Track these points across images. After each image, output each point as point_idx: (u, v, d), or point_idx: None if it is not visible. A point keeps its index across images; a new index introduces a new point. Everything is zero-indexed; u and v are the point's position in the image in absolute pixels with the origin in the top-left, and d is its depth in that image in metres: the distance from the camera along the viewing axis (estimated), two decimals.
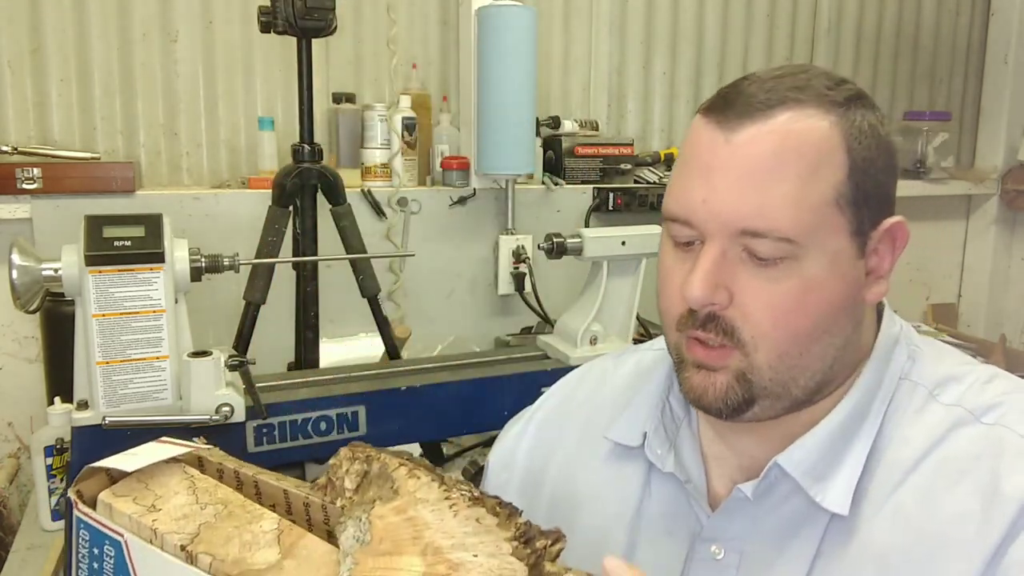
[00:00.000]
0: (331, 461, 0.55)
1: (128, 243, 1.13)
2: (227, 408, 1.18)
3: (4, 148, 1.71)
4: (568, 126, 2.23)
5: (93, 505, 0.55)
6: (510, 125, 1.92)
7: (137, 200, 1.75)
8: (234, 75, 1.96)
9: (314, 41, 1.52)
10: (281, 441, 1.27)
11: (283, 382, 1.39)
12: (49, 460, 1.35)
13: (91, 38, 1.81)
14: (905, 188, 2.74)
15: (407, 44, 2.12)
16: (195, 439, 0.63)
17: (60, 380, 1.40)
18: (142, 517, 0.53)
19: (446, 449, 1.67)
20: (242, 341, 1.53)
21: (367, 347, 1.85)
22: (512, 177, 2.01)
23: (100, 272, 1.11)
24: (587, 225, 2.18)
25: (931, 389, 0.66)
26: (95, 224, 1.13)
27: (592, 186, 2.21)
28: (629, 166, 2.26)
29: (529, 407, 0.92)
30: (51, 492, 1.35)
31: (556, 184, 2.15)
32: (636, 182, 2.29)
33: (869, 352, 0.68)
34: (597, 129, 2.30)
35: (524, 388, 1.42)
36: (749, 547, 0.67)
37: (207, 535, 0.51)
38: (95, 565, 0.54)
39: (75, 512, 0.55)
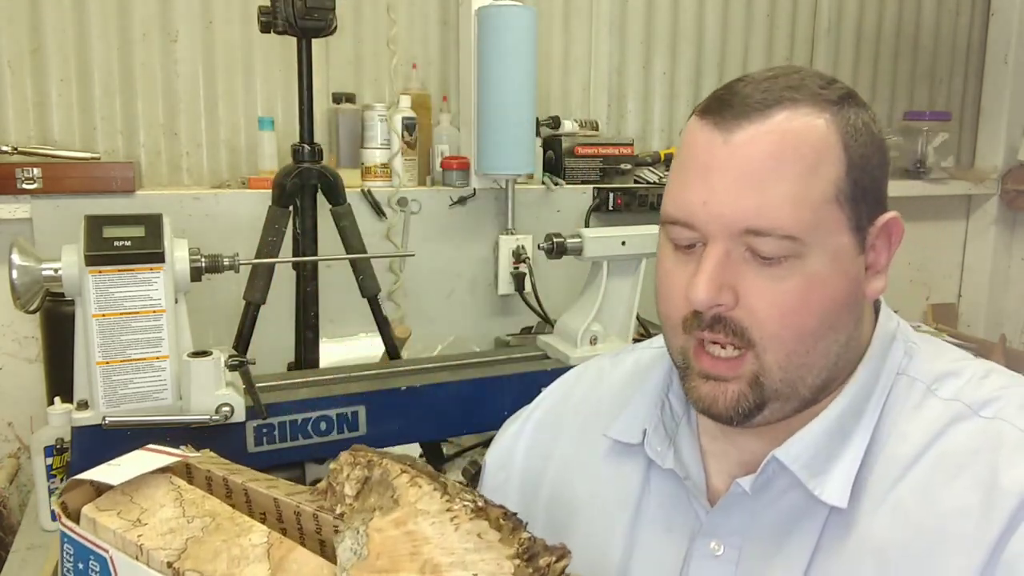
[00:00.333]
0: (332, 465, 0.54)
1: (128, 243, 1.13)
2: (227, 408, 1.18)
3: (4, 148, 1.71)
4: (568, 126, 2.22)
5: (78, 518, 0.54)
6: (510, 125, 1.92)
7: (137, 200, 1.75)
8: (234, 75, 1.96)
9: (314, 41, 1.52)
10: (281, 441, 1.27)
11: (283, 382, 1.39)
12: (49, 460, 1.35)
13: (91, 38, 1.81)
14: (905, 188, 2.74)
15: (407, 44, 2.12)
16: (182, 446, 0.61)
17: (60, 380, 1.39)
18: (127, 532, 0.51)
19: (446, 449, 1.67)
20: (242, 341, 1.53)
21: (367, 347, 1.85)
22: (512, 177, 2.01)
23: (100, 272, 1.11)
24: (587, 225, 2.18)
25: (929, 384, 0.67)
26: (95, 224, 1.13)
27: (592, 186, 2.21)
28: (629, 166, 2.26)
29: (526, 407, 0.92)
30: (51, 492, 1.35)
31: (556, 184, 2.15)
32: (636, 182, 2.29)
33: (865, 347, 0.69)
34: (597, 129, 2.30)
35: (524, 388, 1.41)
36: (748, 542, 0.67)
37: (194, 550, 0.50)
38: None
39: (59, 526, 0.54)
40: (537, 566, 0.45)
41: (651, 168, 2.34)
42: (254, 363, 1.24)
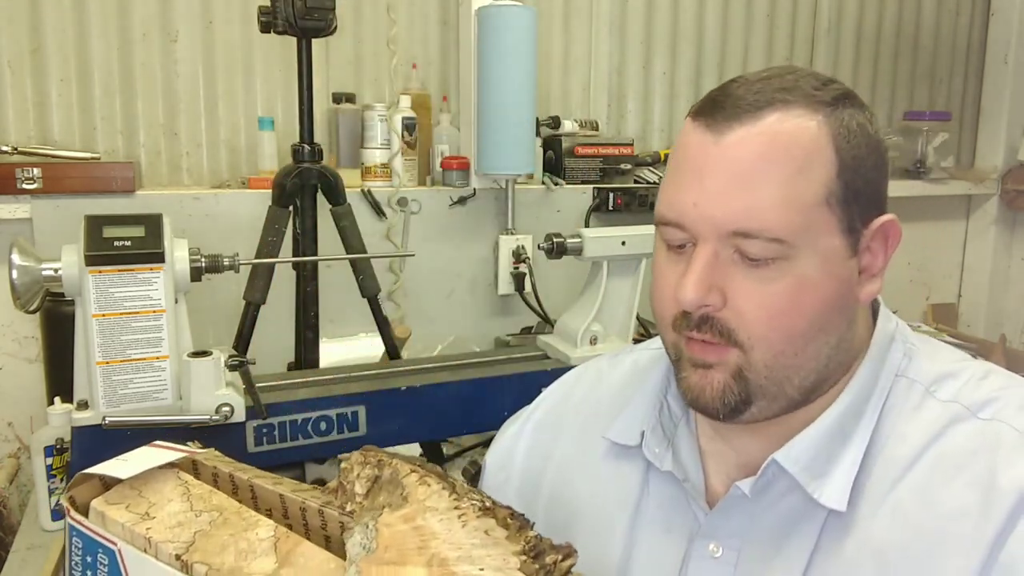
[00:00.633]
0: (343, 465, 0.54)
1: (128, 243, 1.13)
2: (227, 408, 1.18)
3: (4, 148, 1.71)
4: (568, 126, 2.22)
5: (86, 512, 0.54)
6: (510, 125, 1.92)
7: (137, 200, 1.75)
8: (234, 75, 1.96)
9: (314, 41, 1.52)
10: (281, 441, 1.27)
11: (283, 382, 1.39)
12: (49, 460, 1.35)
13: (91, 38, 1.81)
14: (905, 188, 2.74)
15: (407, 44, 2.12)
16: (189, 443, 0.62)
17: (60, 380, 1.39)
18: (136, 526, 0.52)
19: (446, 449, 1.67)
20: (242, 341, 1.53)
21: (367, 347, 1.85)
22: (512, 177, 2.01)
23: (100, 272, 1.11)
24: (587, 225, 2.18)
25: (927, 386, 0.67)
26: (95, 224, 1.13)
27: (592, 186, 2.21)
28: (629, 166, 2.26)
29: (526, 408, 0.92)
30: (51, 492, 1.35)
31: (556, 184, 2.15)
32: (636, 182, 2.29)
33: (864, 349, 0.69)
34: (597, 129, 2.30)
35: (524, 388, 1.41)
36: (747, 544, 0.67)
37: (202, 543, 0.51)
38: (89, 573, 0.53)
39: (68, 519, 0.54)
40: (543, 563, 0.45)
41: (651, 168, 2.34)
42: (254, 363, 1.24)
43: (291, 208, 1.55)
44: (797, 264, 0.61)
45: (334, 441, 1.31)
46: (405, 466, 0.52)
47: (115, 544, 0.52)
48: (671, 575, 0.70)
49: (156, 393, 1.17)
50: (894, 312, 0.74)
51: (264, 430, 1.25)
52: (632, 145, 2.27)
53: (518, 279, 2.04)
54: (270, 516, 0.54)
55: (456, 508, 0.47)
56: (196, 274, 1.20)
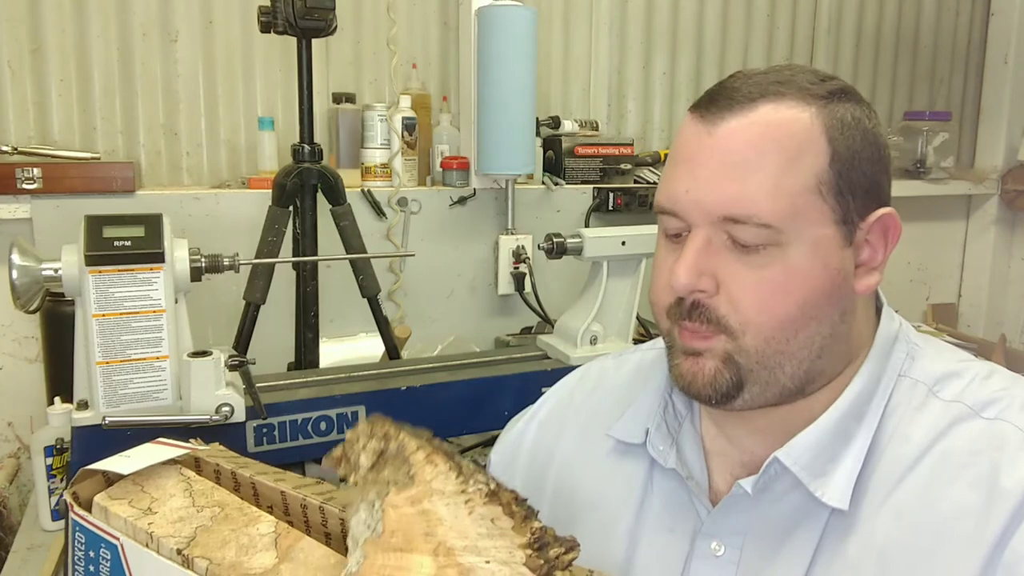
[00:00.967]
0: (348, 434, 0.53)
1: (128, 243, 1.13)
2: (227, 408, 1.18)
3: (4, 148, 1.71)
4: (568, 126, 2.22)
5: (89, 507, 0.55)
6: (510, 125, 1.92)
7: (137, 200, 1.75)
8: (234, 75, 1.96)
9: (314, 41, 1.52)
10: (281, 441, 1.27)
11: (283, 382, 1.39)
12: (49, 460, 1.35)
13: (91, 38, 1.81)
14: (905, 188, 2.74)
15: (407, 44, 2.12)
16: (191, 440, 0.62)
17: (60, 380, 1.39)
18: (138, 520, 0.52)
19: None
20: (242, 341, 1.53)
21: (367, 347, 1.85)
22: (512, 177, 2.01)
23: (100, 272, 1.11)
24: (587, 225, 2.18)
25: (931, 386, 0.67)
26: (95, 224, 1.13)
27: (592, 186, 2.21)
28: (629, 166, 2.26)
29: (531, 406, 0.92)
30: (51, 492, 1.35)
31: (556, 184, 2.15)
32: (636, 182, 2.29)
33: (866, 347, 0.69)
34: (597, 129, 2.30)
35: (524, 388, 1.42)
36: (749, 543, 0.67)
37: (204, 538, 0.51)
38: (92, 568, 0.54)
39: (71, 515, 0.55)
40: (547, 557, 0.45)
41: (651, 168, 2.34)
42: (254, 363, 1.24)
43: (291, 208, 1.55)
44: (788, 251, 0.62)
45: (334, 441, 1.31)
46: (412, 441, 0.51)
47: (117, 539, 0.52)
48: (674, 573, 0.70)
49: (156, 393, 1.17)
50: (895, 312, 0.74)
51: (264, 430, 1.25)
52: (632, 145, 2.27)
53: (518, 279, 2.04)
54: (271, 512, 0.55)
55: (463, 492, 0.47)
56: (196, 274, 1.20)
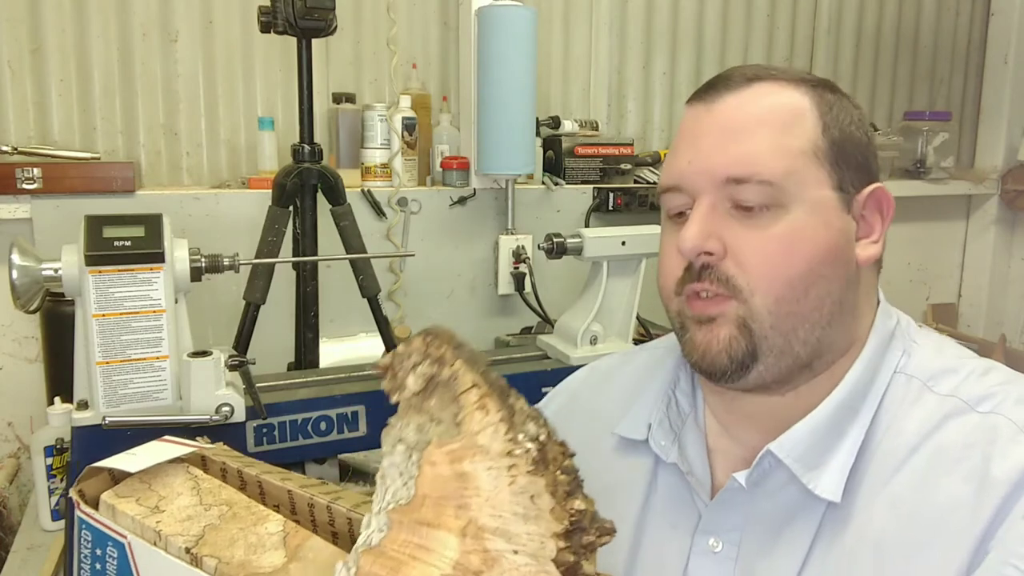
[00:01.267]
0: (400, 347, 0.49)
1: (128, 243, 1.13)
2: (227, 408, 1.18)
3: (4, 148, 1.71)
4: (568, 126, 2.22)
5: (95, 505, 0.55)
6: (510, 125, 1.92)
7: (137, 200, 1.75)
8: (234, 75, 1.96)
9: (314, 41, 1.52)
10: (281, 441, 1.27)
11: (283, 382, 1.39)
12: (49, 460, 1.35)
13: (91, 38, 1.81)
14: (905, 188, 2.74)
15: (407, 44, 2.12)
16: (197, 438, 0.62)
17: (60, 380, 1.40)
18: (146, 519, 0.52)
19: None
20: (242, 341, 1.53)
21: (367, 347, 1.85)
22: (512, 177, 2.01)
23: (100, 272, 1.11)
24: (587, 225, 2.18)
25: (925, 380, 0.67)
26: (95, 224, 1.13)
27: (592, 186, 2.21)
28: (629, 166, 2.26)
29: (536, 404, 0.92)
30: (51, 492, 1.35)
31: (556, 184, 2.15)
32: (636, 182, 2.29)
33: (864, 339, 0.69)
34: (597, 129, 2.30)
35: (524, 388, 1.40)
36: (747, 538, 0.68)
37: (212, 537, 0.51)
38: (98, 566, 0.54)
39: (77, 512, 0.55)
40: (579, 544, 0.42)
41: (651, 168, 2.34)
42: (254, 363, 1.24)
43: (291, 208, 1.55)
44: (790, 211, 0.65)
45: (334, 441, 1.31)
46: (467, 375, 0.46)
47: (125, 537, 0.52)
48: (676, 570, 0.71)
49: (156, 393, 1.17)
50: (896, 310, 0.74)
51: (264, 430, 1.25)
52: (632, 145, 2.27)
53: (518, 279, 2.04)
54: (278, 511, 0.55)
55: (508, 455, 0.42)
56: (196, 274, 1.20)
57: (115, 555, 0.53)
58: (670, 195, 0.70)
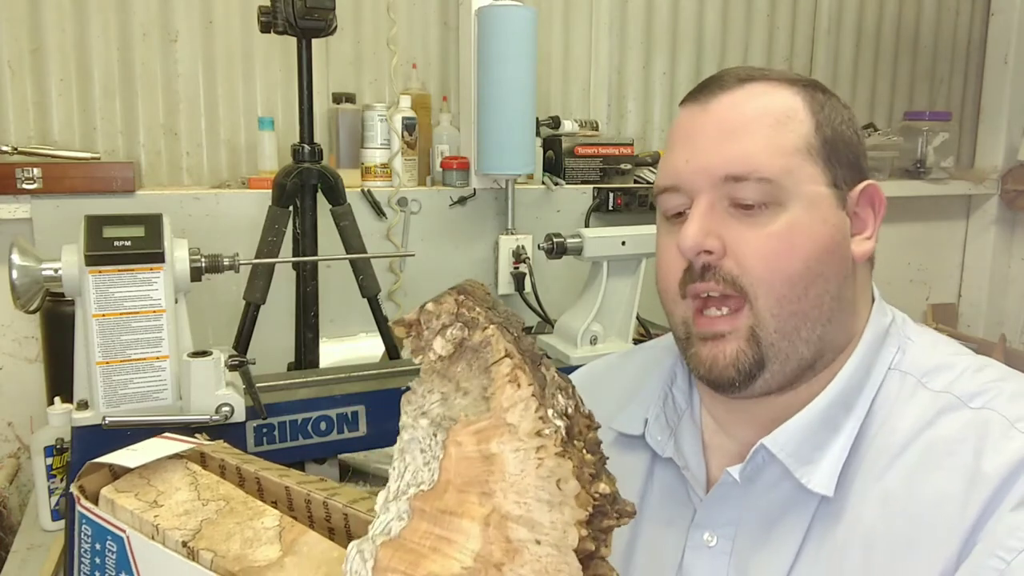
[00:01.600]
0: (429, 304, 0.46)
1: (128, 243, 1.13)
2: (227, 408, 1.18)
3: (4, 148, 1.71)
4: (568, 126, 2.23)
5: (95, 501, 0.55)
6: (510, 125, 1.92)
7: (137, 200, 1.75)
8: (234, 75, 1.96)
9: (314, 41, 1.52)
10: (281, 441, 1.27)
11: (283, 382, 1.39)
12: (49, 460, 1.35)
13: (91, 38, 1.81)
14: (905, 188, 2.74)
15: (407, 44, 2.12)
16: (197, 435, 0.63)
17: (60, 380, 1.40)
18: (144, 513, 0.53)
19: None
20: (242, 341, 1.53)
21: (367, 347, 1.85)
22: (512, 177, 2.01)
23: (100, 272, 1.11)
24: (587, 225, 2.18)
25: (920, 377, 0.68)
26: (95, 224, 1.13)
27: (592, 186, 2.21)
28: (629, 166, 2.26)
29: None
30: (51, 492, 1.35)
31: (556, 184, 2.15)
32: (636, 182, 2.29)
33: (859, 338, 0.70)
34: (597, 129, 2.30)
35: None
36: (741, 533, 0.68)
37: (209, 531, 0.52)
38: (97, 560, 0.54)
39: (77, 507, 0.55)
40: (600, 528, 0.40)
41: (651, 168, 2.34)
42: (254, 363, 1.24)
43: (291, 208, 1.55)
44: (788, 208, 0.65)
45: (334, 441, 1.31)
46: (500, 343, 0.42)
47: (124, 531, 0.53)
48: (672, 565, 0.71)
49: (156, 393, 1.17)
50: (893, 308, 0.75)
51: (264, 430, 1.25)
52: (632, 145, 2.27)
53: (518, 279, 2.04)
54: (275, 507, 0.55)
55: (538, 435, 0.40)
56: (196, 274, 1.20)
57: (114, 549, 0.53)
58: (667, 195, 0.70)
